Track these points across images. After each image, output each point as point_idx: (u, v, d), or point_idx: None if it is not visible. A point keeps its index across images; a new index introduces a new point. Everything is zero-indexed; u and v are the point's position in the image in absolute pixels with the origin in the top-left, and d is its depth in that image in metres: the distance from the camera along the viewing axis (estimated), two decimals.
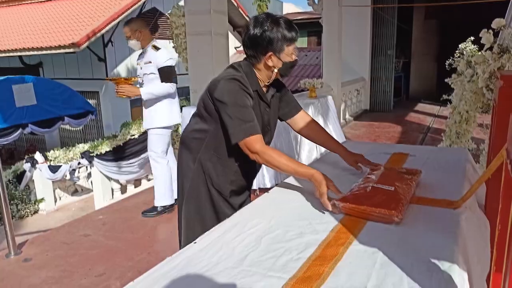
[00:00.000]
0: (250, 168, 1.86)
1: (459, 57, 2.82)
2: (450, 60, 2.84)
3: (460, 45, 2.88)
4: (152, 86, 3.38)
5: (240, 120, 1.60)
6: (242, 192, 1.92)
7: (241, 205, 1.90)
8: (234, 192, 1.86)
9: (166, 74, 3.36)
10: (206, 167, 1.79)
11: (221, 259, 1.13)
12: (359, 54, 8.79)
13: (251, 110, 1.65)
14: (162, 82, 3.36)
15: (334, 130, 5.00)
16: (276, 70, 1.73)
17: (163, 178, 3.51)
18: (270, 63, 1.71)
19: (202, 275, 1.05)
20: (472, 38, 2.79)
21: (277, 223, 1.34)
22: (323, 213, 1.41)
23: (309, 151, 4.74)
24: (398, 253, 1.10)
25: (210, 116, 1.73)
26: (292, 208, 1.46)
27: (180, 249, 1.93)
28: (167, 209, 3.59)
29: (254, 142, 1.59)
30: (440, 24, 10.80)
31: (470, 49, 2.73)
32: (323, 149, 4.69)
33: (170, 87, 3.36)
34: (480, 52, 2.54)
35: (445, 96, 2.89)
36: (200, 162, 1.79)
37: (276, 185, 1.76)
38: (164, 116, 3.44)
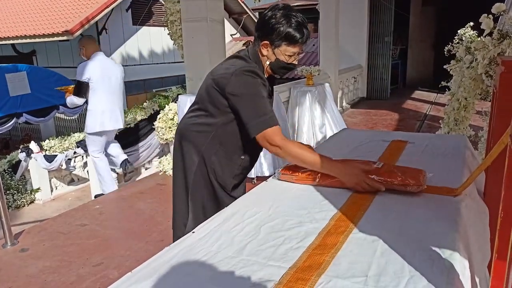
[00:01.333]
0: (252, 161, 1.84)
1: (458, 43, 2.79)
2: (449, 46, 2.81)
3: (459, 31, 2.84)
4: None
5: (258, 112, 1.55)
6: (240, 184, 1.90)
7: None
8: (235, 185, 1.85)
9: (75, 87, 3.81)
10: (210, 161, 1.76)
11: (220, 248, 1.12)
12: (356, 41, 8.72)
13: (268, 101, 1.62)
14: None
15: (332, 118, 4.98)
16: (268, 63, 1.68)
17: (104, 170, 4.07)
18: (264, 52, 1.67)
19: (202, 264, 1.03)
20: (471, 23, 2.76)
21: (276, 212, 1.33)
22: (322, 202, 1.40)
23: (306, 140, 4.73)
24: (399, 241, 1.09)
25: (219, 110, 1.68)
26: (290, 197, 1.45)
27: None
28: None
29: (274, 135, 1.54)
30: (438, 11, 10.71)
31: (469, 35, 2.70)
32: (320, 137, 4.71)
33: (75, 100, 3.83)
34: (479, 38, 2.51)
35: (443, 83, 2.87)
36: (204, 156, 1.75)
37: (275, 173, 1.74)
38: (90, 124, 3.90)
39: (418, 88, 9.90)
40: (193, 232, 1.23)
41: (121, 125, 4.10)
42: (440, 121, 3.04)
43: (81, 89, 3.73)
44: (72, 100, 3.83)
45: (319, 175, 1.53)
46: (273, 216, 1.31)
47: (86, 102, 3.92)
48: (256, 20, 15.53)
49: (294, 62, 1.68)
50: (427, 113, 7.02)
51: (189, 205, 1.83)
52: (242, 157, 1.76)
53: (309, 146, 1.65)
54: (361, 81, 8.86)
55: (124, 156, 4.24)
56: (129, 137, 5.82)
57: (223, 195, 1.81)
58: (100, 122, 3.85)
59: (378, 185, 1.40)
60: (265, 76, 1.74)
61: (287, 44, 1.62)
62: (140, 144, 5.75)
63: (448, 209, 1.29)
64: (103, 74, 3.79)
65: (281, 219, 1.28)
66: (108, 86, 3.83)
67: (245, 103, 1.57)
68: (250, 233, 1.19)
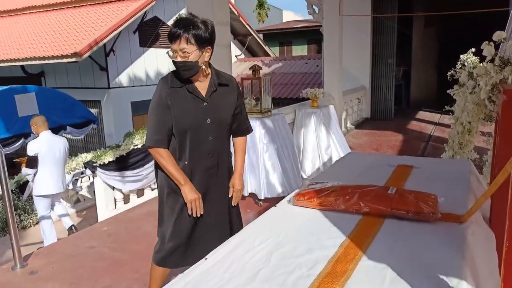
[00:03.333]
0: (181, 149, 1.96)
1: (460, 68, 2.85)
2: (452, 71, 2.87)
3: (461, 56, 2.91)
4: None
5: (153, 131, 1.90)
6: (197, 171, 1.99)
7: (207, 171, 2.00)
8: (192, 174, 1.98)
9: (26, 160, 4.62)
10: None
11: (232, 275, 1.15)
12: (359, 63, 8.85)
13: (164, 121, 1.88)
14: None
15: (337, 139, 5.02)
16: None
17: (48, 226, 4.75)
18: None
19: None
20: (473, 49, 2.82)
21: (286, 238, 1.36)
22: (331, 228, 1.43)
23: (311, 160, 4.77)
24: (407, 269, 1.12)
25: None
26: (300, 223, 1.48)
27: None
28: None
29: (156, 152, 1.91)
30: (440, 31, 10.87)
31: (471, 61, 2.76)
32: (326, 159, 4.73)
33: (27, 171, 4.61)
34: (481, 64, 2.57)
35: (447, 107, 2.92)
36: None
37: (283, 198, 1.78)
38: (37, 188, 4.60)
39: (422, 108, 9.95)
40: (206, 258, 1.26)
41: (62, 189, 4.86)
42: (445, 144, 3.07)
43: (32, 162, 4.53)
44: (26, 171, 4.65)
45: (334, 200, 1.57)
46: (283, 242, 1.34)
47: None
48: (260, 41, 15.82)
49: (177, 60, 1.83)
50: (432, 134, 7.05)
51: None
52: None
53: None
54: (365, 102, 8.94)
55: (70, 222, 4.94)
56: (136, 157, 5.88)
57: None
58: (45, 187, 4.59)
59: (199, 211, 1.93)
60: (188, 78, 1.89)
61: (171, 43, 1.84)
62: (148, 165, 5.80)
63: (455, 236, 1.32)
64: (49, 149, 4.55)
65: (291, 245, 1.31)
66: (53, 158, 4.59)
67: (149, 117, 1.94)
68: (261, 260, 1.22)
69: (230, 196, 2.08)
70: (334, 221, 1.48)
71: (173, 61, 1.84)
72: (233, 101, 2.01)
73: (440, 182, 1.87)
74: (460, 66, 2.86)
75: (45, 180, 4.62)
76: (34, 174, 4.71)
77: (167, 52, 1.90)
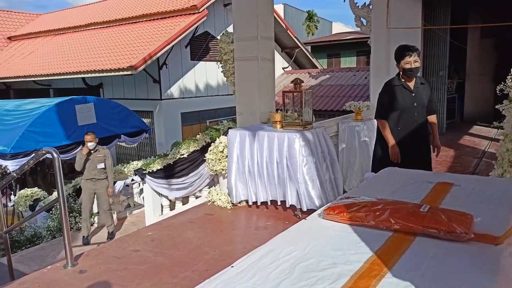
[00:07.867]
0: (394, 128, 3.44)
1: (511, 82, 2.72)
2: (501, 85, 2.75)
3: None
4: None
5: (380, 110, 3.43)
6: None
7: None
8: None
9: None
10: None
11: (255, 285, 1.19)
12: None
13: (384, 104, 3.40)
14: None
15: None
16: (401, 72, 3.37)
17: None
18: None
19: None
20: None
21: (312, 251, 1.38)
22: (359, 243, 1.43)
23: (355, 174, 4.71)
24: None
25: None
26: (327, 237, 1.50)
27: None
28: None
29: (380, 122, 3.44)
30: (498, 43, 10.29)
31: None
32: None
33: None
34: None
35: (495, 123, 2.79)
36: None
37: (314, 211, 1.80)
38: None
39: (477, 123, 9.43)
40: (232, 266, 1.31)
41: None
42: (494, 162, 2.92)
43: None
44: None
45: (364, 216, 1.56)
46: (309, 255, 1.36)
47: None
48: (307, 53, 15.84)
49: (412, 67, 3.26)
50: (486, 150, 6.66)
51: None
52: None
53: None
54: None
55: None
56: (182, 166, 6.10)
57: None
58: None
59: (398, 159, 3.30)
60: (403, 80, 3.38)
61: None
62: (192, 173, 5.99)
63: (487, 258, 1.27)
64: None
65: (316, 259, 1.33)
66: None
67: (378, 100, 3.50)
68: (284, 271, 1.25)
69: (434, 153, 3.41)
70: (362, 237, 1.48)
71: (408, 68, 3.23)
72: (428, 93, 3.40)
73: (480, 201, 1.80)
74: (510, 80, 2.73)
75: None
76: None
77: (405, 62, 3.29)
